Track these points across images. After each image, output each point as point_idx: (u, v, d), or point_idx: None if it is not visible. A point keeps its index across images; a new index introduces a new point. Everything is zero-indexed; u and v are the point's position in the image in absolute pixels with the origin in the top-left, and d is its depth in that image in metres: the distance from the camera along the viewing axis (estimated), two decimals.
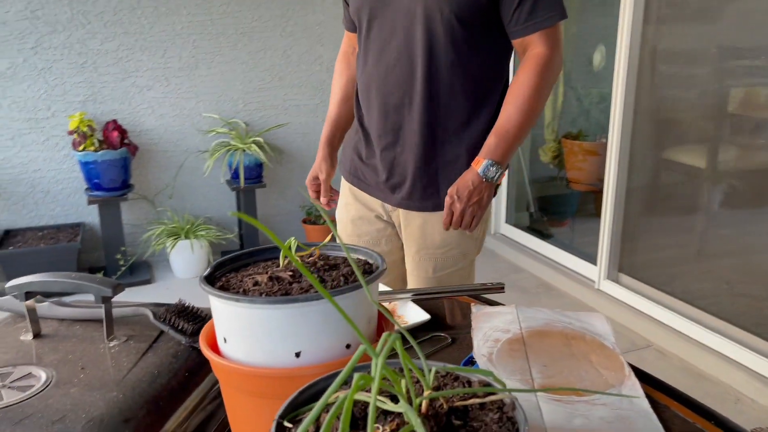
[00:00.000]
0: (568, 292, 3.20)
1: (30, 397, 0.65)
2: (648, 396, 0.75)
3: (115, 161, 3.10)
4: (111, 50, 3.24)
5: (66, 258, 3.05)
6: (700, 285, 2.66)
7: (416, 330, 0.99)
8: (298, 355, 0.56)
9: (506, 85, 1.36)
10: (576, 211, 3.77)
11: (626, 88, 2.76)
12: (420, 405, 0.44)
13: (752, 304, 2.44)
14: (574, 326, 0.92)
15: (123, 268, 3.23)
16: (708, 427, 0.72)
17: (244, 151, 3.36)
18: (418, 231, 1.42)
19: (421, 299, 1.06)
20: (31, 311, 0.81)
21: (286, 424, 0.44)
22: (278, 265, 0.65)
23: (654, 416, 0.71)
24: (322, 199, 1.53)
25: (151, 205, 3.52)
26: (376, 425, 0.43)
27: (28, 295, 0.80)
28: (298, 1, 3.52)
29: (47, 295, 0.88)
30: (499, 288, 1.04)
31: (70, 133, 3.08)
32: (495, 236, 3.87)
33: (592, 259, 3.11)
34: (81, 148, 3.04)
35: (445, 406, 0.45)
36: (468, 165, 1.31)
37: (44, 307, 0.86)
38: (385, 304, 1.04)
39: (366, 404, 0.45)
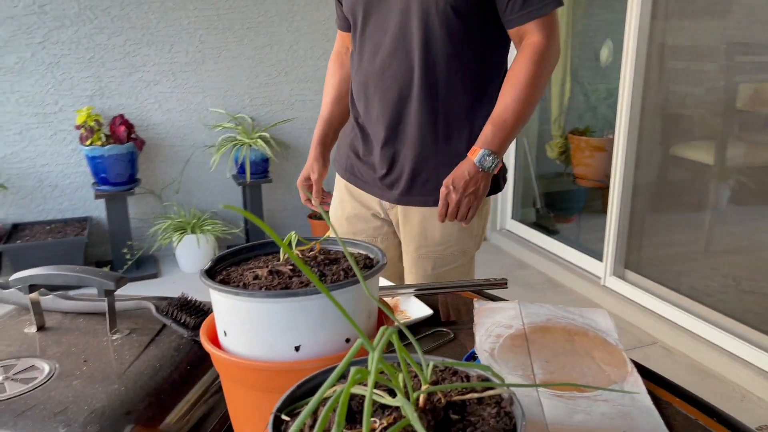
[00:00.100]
0: (573, 289, 3.19)
1: (33, 389, 0.66)
2: (650, 392, 0.75)
3: (121, 156, 3.11)
4: (118, 45, 3.25)
5: (73, 252, 3.07)
6: (707, 282, 2.64)
7: (419, 325, 0.99)
8: (297, 348, 0.56)
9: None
10: (582, 208, 3.75)
11: (633, 83, 2.75)
12: (417, 399, 0.44)
13: (759, 302, 2.43)
14: (576, 322, 0.92)
15: (129, 263, 3.25)
16: (711, 424, 0.72)
17: (250, 146, 3.37)
18: (417, 228, 1.41)
19: (423, 294, 1.06)
20: (35, 304, 0.81)
21: (284, 417, 0.44)
22: (279, 259, 0.65)
23: (656, 412, 0.71)
24: (314, 201, 1.50)
25: (158, 199, 3.53)
26: (373, 419, 0.43)
27: (32, 288, 0.81)
28: None
29: (53, 288, 0.88)
30: (502, 283, 1.04)
31: (78, 127, 3.10)
32: (501, 232, 3.87)
33: (598, 255, 3.10)
34: (88, 142, 3.06)
35: (442, 401, 0.45)
36: None
37: (48, 300, 0.87)
38: (388, 299, 1.04)
39: (364, 398, 0.45)
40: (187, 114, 3.47)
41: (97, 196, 3.17)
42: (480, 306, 0.97)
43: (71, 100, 3.23)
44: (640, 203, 2.91)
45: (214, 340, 0.62)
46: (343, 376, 0.43)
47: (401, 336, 0.86)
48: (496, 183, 1.37)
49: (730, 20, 2.49)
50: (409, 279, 1.47)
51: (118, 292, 0.82)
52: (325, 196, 1.53)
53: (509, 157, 3.79)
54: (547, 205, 3.82)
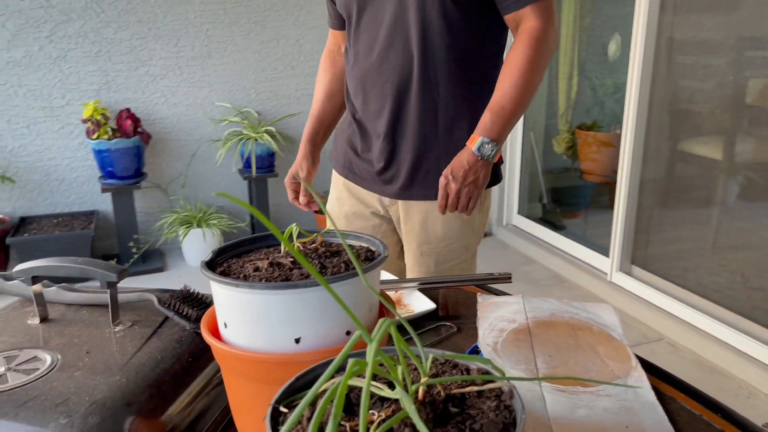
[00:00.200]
0: (579, 284, 3.18)
1: (35, 380, 0.66)
2: (654, 388, 0.74)
3: (128, 149, 3.12)
4: (125, 39, 3.25)
5: (80, 245, 3.08)
6: (714, 278, 2.63)
7: (422, 319, 0.99)
8: (297, 341, 0.55)
9: None
10: (589, 203, 3.74)
11: (641, 78, 2.73)
12: (416, 392, 0.43)
13: (767, 298, 2.41)
14: (581, 317, 0.91)
15: (136, 256, 3.26)
16: (715, 419, 0.72)
17: (256, 140, 3.37)
18: (419, 225, 1.39)
19: (427, 288, 1.06)
20: (38, 296, 0.81)
21: (282, 409, 0.44)
22: (280, 252, 0.65)
23: (659, 408, 0.70)
24: (302, 199, 1.47)
25: (164, 193, 3.54)
26: (372, 411, 0.42)
27: (35, 279, 0.81)
28: None
29: (57, 280, 0.89)
30: (506, 278, 1.03)
31: (84, 121, 3.11)
32: (507, 227, 3.86)
33: (604, 251, 3.09)
34: (95, 136, 3.07)
35: (442, 394, 0.45)
36: None
37: (52, 292, 0.87)
38: (391, 293, 1.04)
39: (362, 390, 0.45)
40: (194, 108, 3.47)
41: (104, 190, 3.18)
42: (484, 300, 0.96)
43: (78, 94, 3.24)
44: (648, 199, 2.90)
45: (215, 332, 0.62)
46: (343, 369, 0.43)
47: (405, 331, 0.85)
48: (495, 174, 1.35)
49: (739, 14, 2.47)
50: (411, 276, 1.46)
51: (122, 284, 0.82)
52: (313, 196, 1.51)
53: (515, 153, 3.77)
54: (554, 200, 3.80)
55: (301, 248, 0.64)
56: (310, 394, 0.39)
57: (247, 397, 0.60)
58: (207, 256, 0.63)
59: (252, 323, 0.56)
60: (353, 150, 1.44)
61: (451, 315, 1.01)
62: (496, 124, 1.21)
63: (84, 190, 3.40)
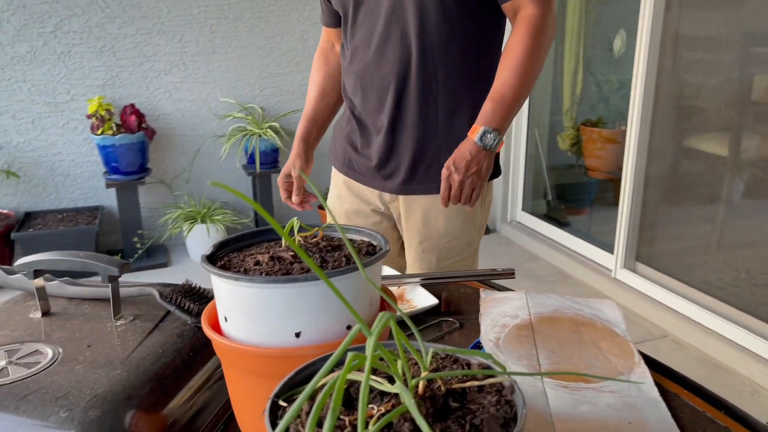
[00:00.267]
0: (584, 281, 3.17)
1: (36, 374, 0.65)
2: (658, 384, 0.74)
3: (132, 145, 3.12)
4: (129, 34, 3.25)
5: (85, 240, 3.09)
6: (719, 275, 2.61)
7: (425, 314, 0.98)
8: (298, 335, 0.55)
9: None
10: (594, 200, 3.72)
11: (647, 74, 2.71)
12: (416, 386, 0.43)
13: None
14: (584, 313, 0.91)
15: (140, 251, 3.26)
16: (719, 416, 0.71)
17: (260, 136, 3.37)
18: (420, 221, 1.38)
19: (430, 284, 1.06)
20: (40, 289, 0.81)
21: (281, 403, 0.44)
22: (281, 246, 0.65)
23: (663, 404, 0.70)
24: (294, 199, 1.46)
25: (168, 189, 3.54)
26: (371, 406, 0.42)
27: (37, 273, 0.81)
28: None
29: (60, 274, 0.88)
30: (509, 273, 1.03)
31: (89, 116, 3.11)
32: (511, 224, 3.85)
33: (609, 247, 3.08)
34: (99, 131, 3.07)
35: (442, 388, 0.44)
36: None
37: (54, 286, 0.87)
38: (394, 288, 1.04)
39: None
40: (198, 104, 3.47)
41: (108, 185, 3.19)
42: (486, 296, 0.96)
43: (83, 90, 3.25)
44: (653, 195, 2.88)
45: (216, 326, 0.62)
46: (343, 363, 0.42)
47: (408, 327, 0.85)
48: (495, 166, 1.33)
49: (745, 10, 2.45)
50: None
51: (126, 279, 0.82)
52: (307, 196, 1.48)
53: (520, 149, 3.76)
54: (558, 197, 3.79)
55: (302, 242, 0.64)
56: (308, 388, 0.39)
57: (247, 391, 0.59)
58: (208, 249, 0.62)
59: (252, 317, 0.55)
60: (352, 147, 1.43)
61: (454, 311, 1.01)
62: (498, 113, 1.19)
63: (89, 186, 3.40)
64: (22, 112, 3.18)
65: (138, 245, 3.27)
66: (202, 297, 0.82)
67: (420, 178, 1.36)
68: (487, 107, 1.21)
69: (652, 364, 0.80)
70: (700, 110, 2.69)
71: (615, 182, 3.16)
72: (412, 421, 0.40)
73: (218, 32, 3.40)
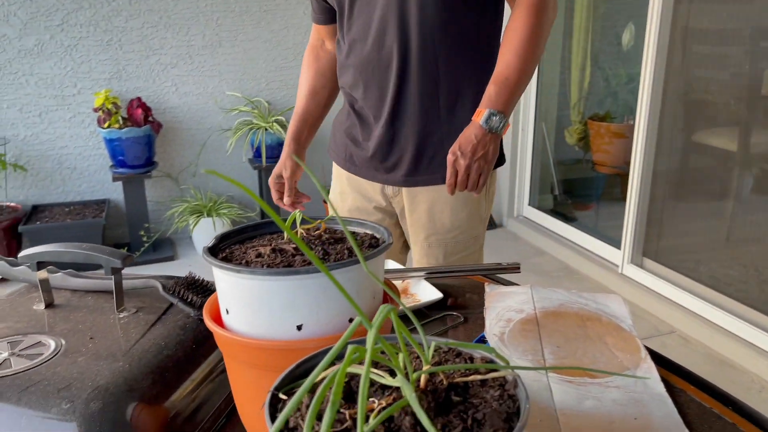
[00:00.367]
0: (590, 276, 3.16)
1: (38, 365, 0.65)
2: (664, 380, 0.73)
3: (139, 138, 3.12)
4: (136, 27, 3.25)
5: (91, 233, 3.10)
6: (727, 271, 2.60)
7: (429, 308, 0.98)
8: (299, 328, 0.55)
9: None
10: (601, 195, 3.70)
11: (655, 68, 2.69)
12: (418, 380, 0.43)
13: None
14: (590, 307, 0.90)
15: (146, 245, 3.27)
16: (726, 412, 0.70)
17: (266, 129, 3.37)
18: (425, 215, 1.36)
19: (434, 278, 1.05)
20: (44, 281, 0.81)
21: (282, 396, 0.43)
22: (284, 238, 0.64)
23: (669, 400, 0.69)
24: (286, 200, 1.44)
25: (175, 182, 3.55)
26: (372, 399, 0.42)
27: (40, 265, 0.81)
28: None
29: (63, 266, 0.88)
30: (515, 268, 1.02)
31: (96, 110, 3.12)
32: (518, 219, 3.83)
33: (616, 243, 3.06)
34: (106, 125, 3.08)
35: (444, 382, 0.44)
36: None
37: (57, 278, 0.87)
38: (398, 282, 1.03)
39: None
40: (204, 97, 3.47)
41: (115, 179, 3.20)
42: (491, 290, 0.95)
43: (89, 83, 3.25)
44: (660, 190, 2.86)
45: (217, 319, 0.61)
46: (344, 356, 0.42)
47: (410, 320, 0.85)
48: (500, 154, 1.31)
49: (756, 3, 2.42)
50: None
51: (132, 271, 0.82)
52: (299, 197, 1.46)
53: (527, 143, 3.75)
54: (565, 191, 3.77)
55: (304, 235, 0.64)
56: (308, 381, 0.38)
57: (248, 383, 0.59)
58: (209, 242, 0.62)
59: (253, 309, 0.55)
60: (353, 141, 1.41)
61: (459, 305, 1.00)
62: (502, 96, 1.17)
63: (95, 179, 3.41)
64: (29, 106, 3.19)
65: (144, 238, 3.27)
66: (205, 289, 0.81)
67: (424, 168, 1.34)
68: (491, 90, 1.18)
69: (658, 359, 0.79)
70: (709, 105, 2.67)
71: (622, 177, 3.14)
72: (413, 415, 0.39)
73: (224, 25, 3.39)
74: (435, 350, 0.48)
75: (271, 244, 0.61)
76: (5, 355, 0.68)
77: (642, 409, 0.67)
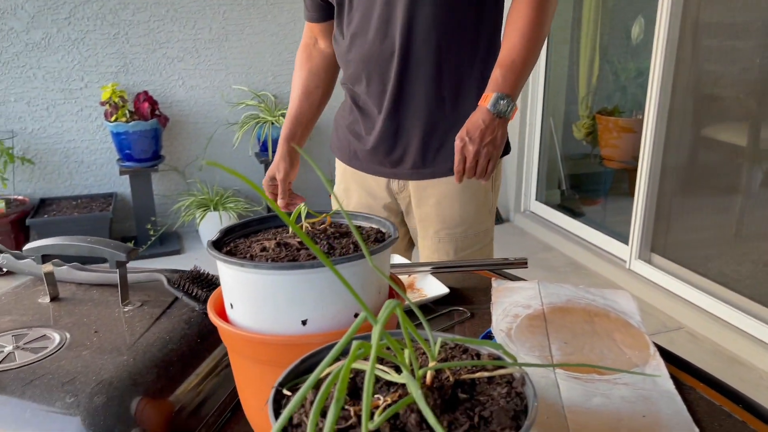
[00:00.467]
0: (598, 272, 3.14)
1: (42, 359, 0.65)
2: (673, 377, 0.72)
3: (145, 132, 3.13)
4: (142, 21, 3.25)
5: (98, 227, 3.11)
6: (736, 267, 2.58)
7: (435, 303, 0.97)
8: (304, 323, 0.54)
9: None
10: (609, 190, 3.68)
11: (665, 62, 2.67)
12: (424, 376, 0.42)
13: None
14: (598, 303, 0.89)
15: (153, 238, 3.28)
16: (735, 410, 0.69)
17: (272, 123, 3.36)
18: (434, 209, 1.35)
19: (441, 272, 1.04)
20: (48, 274, 0.81)
21: (286, 392, 0.43)
22: (289, 232, 0.63)
23: (678, 397, 0.68)
24: (280, 202, 1.42)
25: (181, 176, 3.55)
26: (377, 396, 0.41)
27: (45, 258, 0.80)
28: None
29: (69, 260, 0.88)
30: (522, 263, 1.01)
31: (102, 103, 3.12)
32: (524, 214, 3.82)
33: (624, 238, 3.05)
34: (113, 118, 3.08)
35: (451, 379, 0.43)
36: None
37: (63, 271, 0.86)
38: (405, 277, 1.03)
39: None
40: (211, 91, 3.47)
41: (122, 172, 3.20)
42: (498, 285, 0.94)
43: (97, 76, 3.25)
44: (669, 185, 2.84)
45: (222, 313, 0.61)
46: (348, 352, 0.41)
47: (416, 315, 0.84)
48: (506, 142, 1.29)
49: None
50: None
51: (139, 265, 0.82)
52: (293, 198, 1.44)
53: (534, 138, 3.73)
54: (573, 186, 3.75)
55: (310, 229, 0.63)
56: (312, 377, 0.37)
57: (253, 378, 0.59)
58: (214, 235, 0.61)
59: (258, 304, 0.54)
60: (356, 137, 1.40)
61: (465, 300, 0.99)
62: (509, 79, 1.15)
63: (103, 173, 3.42)
64: (36, 99, 3.20)
65: (151, 232, 3.28)
66: (210, 283, 0.81)
67: (430, 161, 1.32)
68: (497, 73, 1.17)
69: (667, 356, 0.78)
70: (719, 99, 2.64)
71: (630, 172, 3.12)
72: (419, 412, 0.39)
73: (231, 19, 3.39)
74: (441, 346, 0.47)
75: (275, 238, 0.60)
76: (10, 348, 0.67)
77: (651, 407, 0.66)
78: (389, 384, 0.43)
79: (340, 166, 1.48)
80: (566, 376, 0.70)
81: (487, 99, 1.16)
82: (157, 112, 3.21)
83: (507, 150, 1.32)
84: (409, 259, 1.49)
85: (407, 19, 1.21)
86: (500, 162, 1.36)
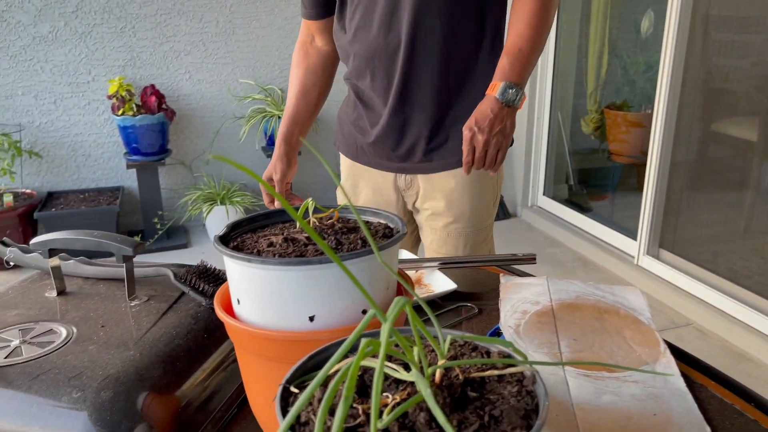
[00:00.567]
0: (606, 268, 3.13)
1: (49, 353, 0.65)
2: (684, 375, 0.71)
3: (152, 126, 3.13)
4: (149, 14, 3.24)
5: (106, 220, 3.12)
6: (746, 263, 2.56)
7: (443, 299, 0.97)
8: (311, 319, 0.54)
9: None
10: (617, 185, 3.66)
11: (675, 56, 2.64)
12: (433, 374, 0.41)
13: None
14: (607, 300, 0.88)
15: (160, 232, 3.28)
16: (747, 408, 0.68)
17: (279, 118, 3.36)
18: (443, 203, 1.33)
19: (448, 268, 1.04)
20: (55, 268, 0.81)
21: (293, 389, 0.42)
22: (296, 227, 0.63)
23: (689, 395, 0.67)
24: (276, 203, 1.41)
25: (188, 170, 3.55)
26: (386, 394, 0.40)
27: (52, 252, 0.80)
28: None
29: (76, 254, 0.88)
30: (530, 259, 1.00)
31: (110, 97, 3.12)
32: (532, 209, 3.80)
33: (632, 234, 3.03)
34: (120, 112, 3.08)
35: (460, 377, 0.42)
36: None
37: (70, 265, 0.86)
38: (412, 273, 1.02)
39: None
40: (217, 85, 3.46)
41: (129, 166, 3.21)
42: (506, 281, 0.93)
43: (104, 70, 3.25)
44: (678, 181, 2.82)
45: (229, 309, 0.60)
46: (357, 349, 0.41)
47: (425, 310, 0.83)
48: None
49: None
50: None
51: (146, 259, 0.82)
52: (292, 199, 1.42)
53: (542, 133, 3.70)
54: (581, 181, 3.73)
55: (317, 224, 0.62)
56: (320, 374, 0.37)
57: (260, 375, 0.58)
58: (221, 230, 0.61)
59: (265, 300, 0.54)
60: (362, 132, 1.38)
61: (473, 296, 0.99)
62: (516, 68, 1.14)
63: (110, 166, 3.43)
64: (44, 93, 3.20)
65: (158, 226, 3.29)
66: (217, 278, 0.81)
67: (438, 153, 1.31)
68: (504, 62, 1.15)
69: (677, 353, 0.77)
70: (730, 93, 2.62)
71: (639, 167, 3.10)
72: (428, 410, 0.38)
73: (238, 12, 3.38)
74: (450, 344, 0.47)
75: (283, 233, 0.60)
76: (16, 342, 0.67)
77: (661, 405, 0.65)
78: (398, 382, 0.42)
79: (346, 162, 1.47)
80: (575, 373, 0.70)
81: (495, 88, 1.14)
82: (164, 106, 3.21)
83: (511, 142, 1.31)
84: (416, 255, 1.48)
85: (414, 12, 1.19)
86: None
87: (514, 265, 1.04)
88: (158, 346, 0.67)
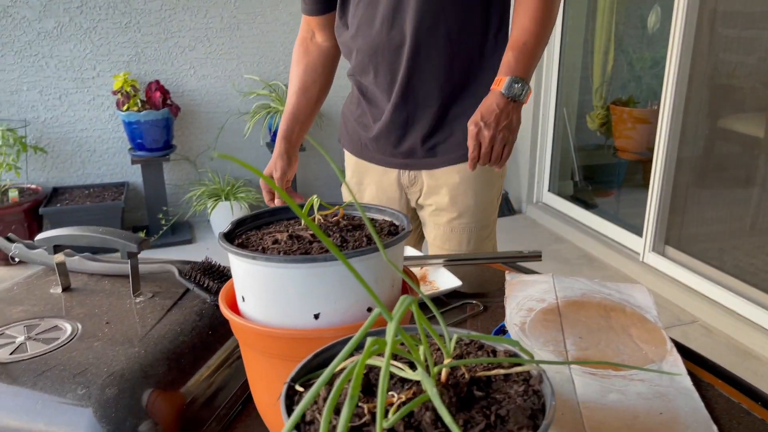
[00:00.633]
0: (611, 264, 3.12)
1: (54, 350, 0.65)
2: (690, 373, 0.71)
3: (157, 121, 3.13)
4: (154, 10, 3.24)
5: (111, 216, 3.12)
6: (752, 260, 2.54)
7: (448, 296, 0.96)
8: (316, 316, 0.53)
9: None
10: (622, 181, 3.65)
11: (682, 51, 2.62)
12: (439, 373, 0.41)
13: None
14: (613, 297, 0.88)
15: (165, 228, 3.29)
16: (754, 407, 0.68)
17: None
18: (448, 198, 1.33)
19: (453, 265, 1.03)
20: (60, 265, 0.81)
21: (298, 388, 0.42)
22: (301, 224, 0.63)
23: (696, 394, 0.67)
24: (277, 202, 1.40)
25: (193, 166, 3.56)
26: (391, 393, 0.40)
27: (57, 248, 0.80)
28: None
29: (81, 250, 0.88)
30: (536, 256, 1.00)
31: (114, 92, 3.12)
32: (537, 205, 3.79)
33: (637, 230, 3.02)
34: (125, 108, 3.08)
35: (466, 376, 0.42)
36: None
37: (74, 261, 0.86)
38: (416, 270, 1.02)
39: None
40: (222, 80, 3.46)
41: (134, 162, 3.21)
42: (512, 278, 0.93)
43: (108, 66, 3.26)
44: (684, 177, 2.81)
45: (233, 306, 0.60)
46: (362, 347, 0.40)
47: (428, 307, 0.83)
48: None
49: None
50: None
51: (151, 255, 0.82)
52: (292, 196, 1.41)
53: (548, 129, 3.69)
54: (586, 178, 3.72)
55: (322, 222, 0.62)
56: (326, 373, 0.37)
57: (264, 372, 0.58)
58: (225, 227, 0.61)
59: (269, 297, 0.54)
60: (365, 129, 1.38)
61: (478, 293, 0.98)
62: (521, 62, 1.13)
63: (115, 162, 3.43)
64: (49, 88, 3.21)
65: (163, 222, 3.29)
66: (221, 275, 0.80)
67: (442, 149, 1.30)
68: (509, 56, 1.14)
69: (684, 351, 0.77)
70: (737, 90, 2.60)
71: (645, 163, 3.09)
72: (434, 410, 0.38)
73: (242, 8, 3.37)
74: (456, 342, 0.46)
75: (288, 231, 0.59)
76: (21, 338, 0.67)
77: (668, 404, 0.65)
78: (403, 381, 0.42)
79: (350, 159, 1.47)
80: (581, 371, 0.69)
81: (501, 83, 1.13)
82: (168, 102, 3.21)
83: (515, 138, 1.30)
84: (420, 252, 1.48)
85: (419, 8, 1.18)
86: None
87: (519, 262, 1.04)
88: (163, 342, 0.67)
